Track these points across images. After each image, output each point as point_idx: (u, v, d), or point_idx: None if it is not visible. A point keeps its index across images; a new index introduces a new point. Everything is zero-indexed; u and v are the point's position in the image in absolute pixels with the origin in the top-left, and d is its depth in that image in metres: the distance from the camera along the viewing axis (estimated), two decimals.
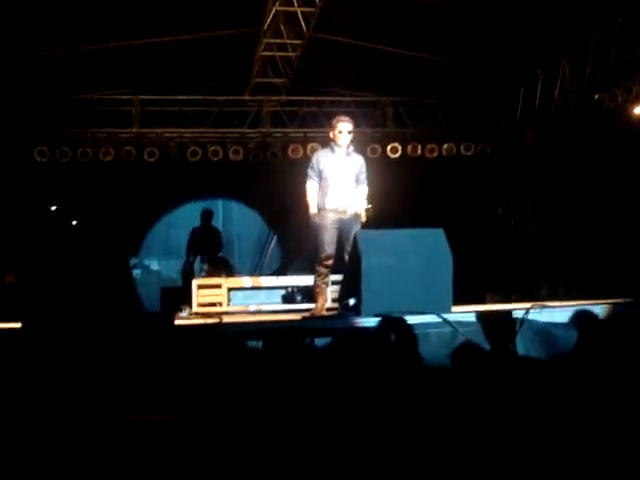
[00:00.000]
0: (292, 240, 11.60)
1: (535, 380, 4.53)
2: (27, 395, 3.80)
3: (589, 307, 5.34)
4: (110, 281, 4.97)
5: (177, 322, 6.09)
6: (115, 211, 11.18)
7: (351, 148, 6.66)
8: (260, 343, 4.46)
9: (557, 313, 5.16)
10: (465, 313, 5.25)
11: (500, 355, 4.71)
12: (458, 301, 5.92)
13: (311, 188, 6.60)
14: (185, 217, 12.02)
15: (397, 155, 11.63)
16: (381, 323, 4.73)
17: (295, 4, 8.95)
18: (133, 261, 12.33)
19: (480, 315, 5.01)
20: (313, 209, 6.55)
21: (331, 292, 7.77)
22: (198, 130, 11.28)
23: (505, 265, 11.66)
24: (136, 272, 12.23)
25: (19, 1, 7.99)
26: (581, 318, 5.02)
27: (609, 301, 6.08)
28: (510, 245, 12.11)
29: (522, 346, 4.81)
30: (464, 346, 4.66)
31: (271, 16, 9.18)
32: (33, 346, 4.01)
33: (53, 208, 11.77)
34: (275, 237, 12.76)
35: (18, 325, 4.40)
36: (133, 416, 3.78)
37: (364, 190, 6.64)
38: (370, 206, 6.49)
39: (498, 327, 4.87)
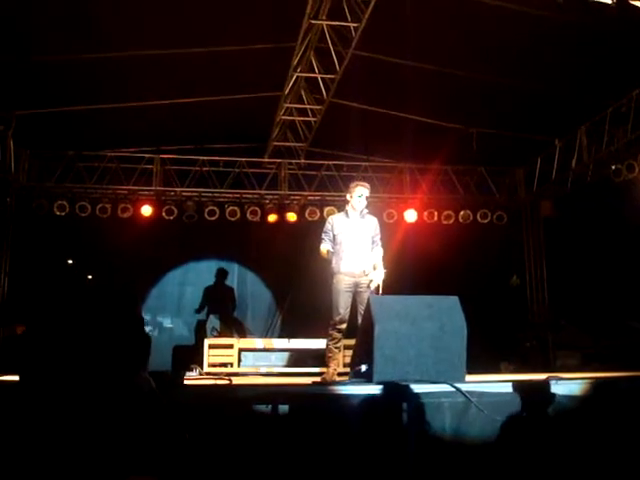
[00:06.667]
0: (304, 302, 11.51)
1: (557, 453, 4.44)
2: (23, 452, 3.73)
3: (604, 380, 5.24)
4: (124, 338, 4.93)
5: (187, 382, 6.04)
6: (130, 267, 11.19)
7: (365, 211, 6.67)
8: (269, 407, 4.41)
9: (573, 385, 5.07)
10: (481, 383, 5.15)
11: (533, 427, 4.60)
12: (472, 370, 5.83)
13: (325, 248, 6.62)
14: (199, 275, 12.03)
15: (414, 221, 11.66)
16: (388, 391, 4.65)
17: (316, 70, 9.12)
18: (146, 318, 12.33)
19: (517, 385, 4.89)
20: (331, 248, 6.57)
21: (343, 356, 7.70)
22: (217, 190, 11.42)
23: (521, 334, 11.52)
24: (149, 329, 12.22)
25: (57, 61, 8.19)
26: (596, 391, 4.93)
27: (625, 374, 5.97)
28: (526, 314, 11.99)
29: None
30: (480, 417, 4.57)
31: (292, 81, 9.35)
32: (30, 401, 3.95)
33: (70, 262, 11.83)
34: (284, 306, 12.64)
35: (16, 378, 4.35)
36: (137, 478, 3.71)
37: (379, 252, 6.59)
38: (385, 271, 6.45)
39: (532, 398, 4.76)
